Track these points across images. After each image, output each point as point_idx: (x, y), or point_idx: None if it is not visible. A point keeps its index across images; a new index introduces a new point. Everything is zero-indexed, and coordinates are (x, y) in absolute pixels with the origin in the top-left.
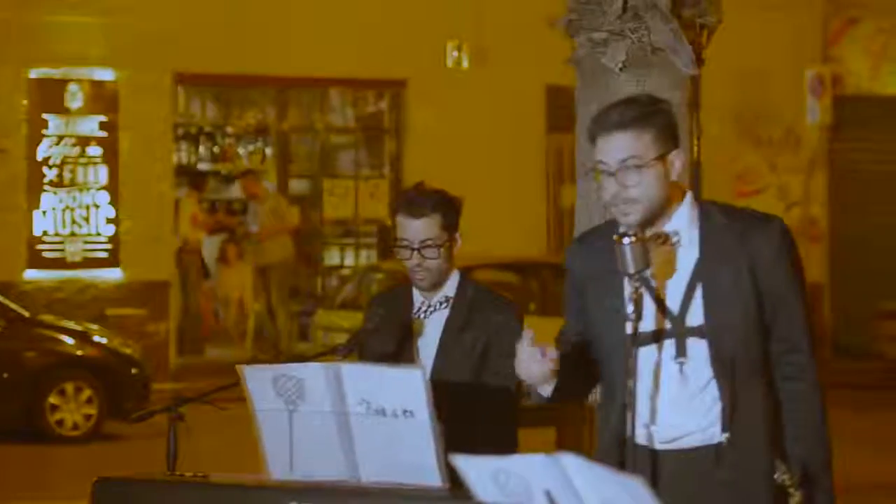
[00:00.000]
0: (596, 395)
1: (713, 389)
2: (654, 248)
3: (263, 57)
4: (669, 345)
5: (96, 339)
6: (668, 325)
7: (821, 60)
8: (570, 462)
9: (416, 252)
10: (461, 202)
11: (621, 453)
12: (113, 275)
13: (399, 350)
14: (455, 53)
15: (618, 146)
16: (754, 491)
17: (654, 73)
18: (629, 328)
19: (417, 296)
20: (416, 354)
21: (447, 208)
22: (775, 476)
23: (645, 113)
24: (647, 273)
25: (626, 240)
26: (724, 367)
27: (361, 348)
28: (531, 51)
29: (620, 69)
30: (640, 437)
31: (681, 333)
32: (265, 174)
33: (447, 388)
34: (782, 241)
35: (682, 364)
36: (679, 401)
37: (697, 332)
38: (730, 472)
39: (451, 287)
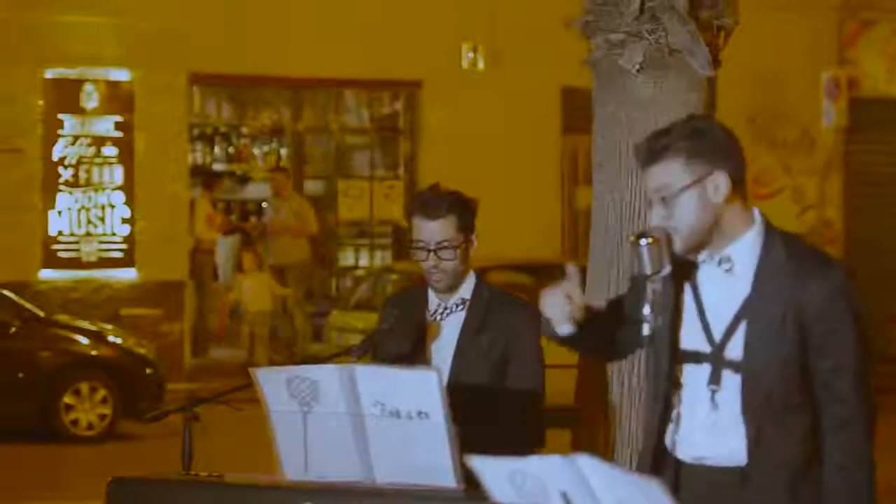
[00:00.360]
0: (613, 395)
1: (741, 424)
2: (710, 270)
3: (278, 57)
4: (706, 369)
5: (111, 339)
6: (708, 349)
7: (836, 63)
8: (587, 463)
9: (432, 253)
10: (476, 204)
11: (655, 457)
12: (128, 275)
13: (414, 351)
14: (470, 55)
15: (650, 179)
16: None
17: (670, 75)
18: (646, 330)
19: (433, 297)
20: (430, 356)
21: (463, 210)
22: None
23: (671, 142)
24: (693, 292)
25: (642, 241)
26: (753, 407)
27: (376, 349)
28: (546, 52)
29: (637, 71)
30: (671, 446)
31: (718, 362)
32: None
33: (465, 391)
34: (837, 289)
35: (714, 391)
36: (707, 425)
37: (734, 365)
38: (754, 495)
39: (467, 289)
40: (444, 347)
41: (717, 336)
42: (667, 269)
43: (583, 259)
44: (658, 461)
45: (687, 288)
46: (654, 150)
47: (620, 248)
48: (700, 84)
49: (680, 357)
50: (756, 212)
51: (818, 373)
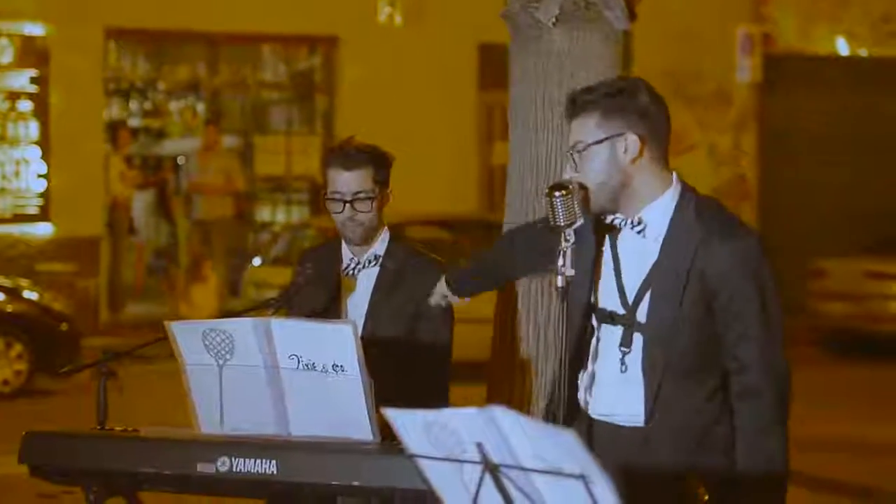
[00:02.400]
0: (529, 348)
1: (643, 386)
2: (626, 233)
3: (195, 12)
4: (619, 331)
5: (26, 294)
6: (622, 311)
7: (751, 19)
8: (502, 415)
9: (348, 205)
10: (392, 158)
11: (569, 410)
12: (43, 230)
13: (328, 307)
14: (387, 10)
15: (572, 132)
16: (667, 486)
17: (586, 28)
18: (560, 281)
19: (346, 252)
20: (344, 312)
21: (379, 162)
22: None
23: (596, 96)
24: (608, 253)
25: (556, 193)
26: (653, 370)
27: (290, 304)
28: (464, 8)
29: (553, 24)
30: (583, 403)
31: (629, 325)
32: (197, 130)
33: (378, 346)
34: (742, 256)
35: (624, 353)
36: (615, 384)
37: (642, 328)
38: (655, 455)
39: (380, 246)
40: (357, 305)
41: (630, 299)
42: (580, 221)
43: (499, 214)
44: (571, 414)
45: (606, 249)
46: (576, 104)
47: (536, 201)
48: (616, 37)
49: (598, 315)
50: (674, 176)
51: (724, 340)
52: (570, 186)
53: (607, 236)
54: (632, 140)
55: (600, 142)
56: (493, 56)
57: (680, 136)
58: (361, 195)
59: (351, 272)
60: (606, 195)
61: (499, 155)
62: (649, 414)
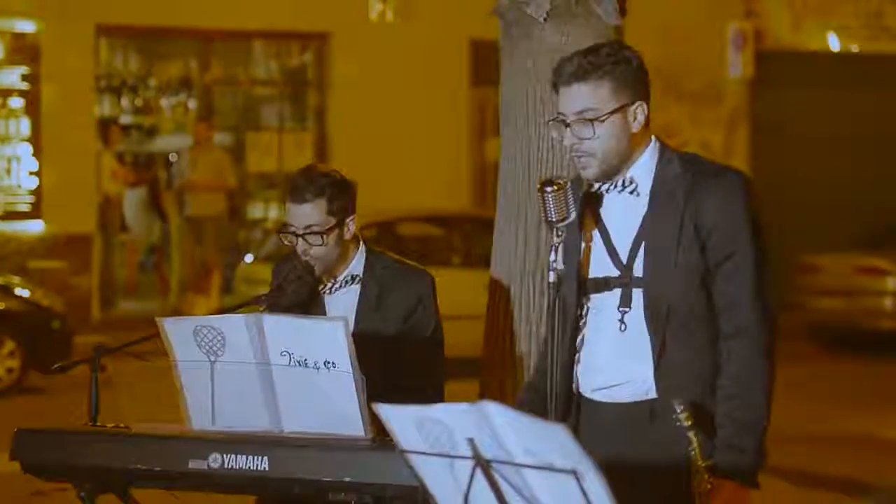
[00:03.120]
0: (521, 344)
1: (647, 342)
2: (613, 196)
3: (186, 9)
4: (616, 293)
5: (18, 291)
6: (617, 273)
7: (742, 15)
8: (493, 409)
9: (300, 239)
10: (354, 185)
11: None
12: (35, 227)
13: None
14: (379, 6)
15: (575, 97)
16: (680, 453)
17: (578, 24)
18: (552, 276)
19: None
20: None
21: (335, 192)
22: (673, 416)
23: (604, 62)
24: (601, 223)
25: (548, 188)
26: (656, 319)
27: (279, 304)
28: (456, 4)
29: (544, 19)
30: (581, 386)
31: (627, 283)
32: (188, 127)
33: (369, 357)
34: (732, 194)
35: (624, 313)
36: (616, 348)
37: (640, 283)
38: (662, 432)
39: (356, 265)
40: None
41: (624, 258)
42: (572, 217)
43: (491, 210)
44: (568, 398)
45: (593, 223)
46: (582, 67)
47: (528, 198)
48: (607, 33)
49: (588, 287)
50: (651, 134)
51: (715, 279)
52: (562, 181)
53: (592, 212)
54: (641, 109)
55: (617, 111)
56: (484, 52)
57: (671, 132)
58: (315, 228)
59: (327, 292)
60: (613, 163)
61: (491, 151)
62: (657, 361)
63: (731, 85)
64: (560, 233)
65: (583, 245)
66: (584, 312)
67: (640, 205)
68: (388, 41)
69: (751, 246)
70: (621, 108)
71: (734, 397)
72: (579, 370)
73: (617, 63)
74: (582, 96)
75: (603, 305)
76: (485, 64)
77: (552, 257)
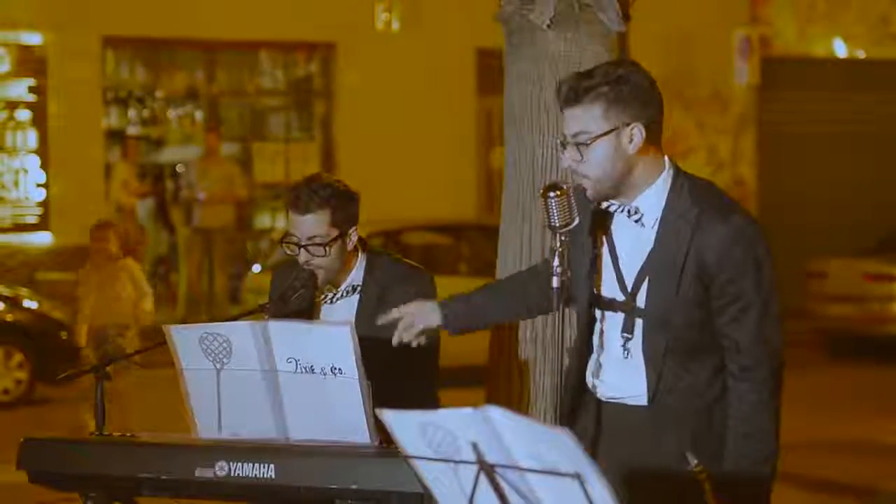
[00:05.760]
0: (526, 350)
1: (644, 370)
2: (622, 220)
3: (192, 20)
4: (620, 317)
5: (26, 303)
6: (622, 298)
7: (748, 21)
8: (497, 414)
9: (303, 249)
10: (357, 196)
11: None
12: (42, 239)
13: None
14: (384, 15)
15: (569, 121)
16: (672, 468)
17: (581, 30)
18: (556, 282)
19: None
20: None
21: (339, 203)
22: (687, 467)
23: (595, 84)
24: (606, 243)
25: (551, 194)
26: (654, 354)
27: (283, 311)
28: (461, 12)
29: (548, 26)
30: (591, 387)
31: (630, 311)
32: (195, 138)
33: (368, 360)
34: (736, 236)
35: (626, 339)
36: (619, 369)
37: (642, 314)
38: (662, 434)
39: (357, 273)
40: None
41: (629, 286)
42: (576, 222)
43: (497, 218)
44: (579, 400)
45: (603, 238)
46: (576, 91)
47: (532, 204)
48: (611, 39)
49: (600, 303)
50: (666, 159)
51: (719, 321)
52: (565, 187)
53: (603, 227)
54: (637, 131)
55: (607, 133)
56: (490, 60)
57: (678, 139)
58: (317, 240)
59: (329, 300)
60: (609, 185)
61: (497, 159)
62: (652, 396)
63: (738, 91)
64: (564, 238)
65: (594, 259)
66: (594, 324)
67: (646, 236)
68: (394, 50)
69: (755, 291)
70: (612, 131)
71: (743, 435)
72: (590, 374)
73: (610, 84)
74: (575, 120)
75: (610, 324)
76: (491, 73)
77: (556, 263)
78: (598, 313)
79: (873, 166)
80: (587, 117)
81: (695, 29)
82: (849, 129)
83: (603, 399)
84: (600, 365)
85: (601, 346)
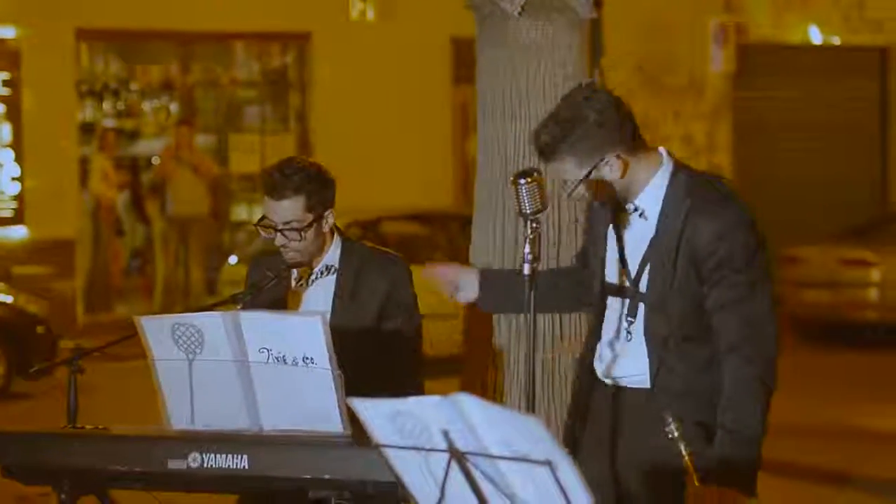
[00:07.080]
0: (501, 338)
1: (646, 353)
2: (630, 217)
3: (166, 11)
4: (624, 303)
5: (1, 297)
6: (627, 284)
7: (723, 9)
8: (467, 401)
9: (279, 233)
10: (332, 178)
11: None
12: (18, 233)
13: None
14: (359, 5)
15: (553, 173)
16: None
17: (553, 17)
18: (527, 269)
19: None
20: None
21: (314, 187)
22: (665, 428)
23: (554, 142)
24: (608, 233)
25: (521, 181)
26: (654, 338)
27: (255, 302)
28: (436, 3)
29: (519, 14)
30: (596, 368)
31: (633, 297)
32: (171, 130)
33: (346, 351)
34: (726, 226)
35: (630, 323)
36: (622, 353)
37: (645, 298)
38: (656, 418)
39: (332, 255)
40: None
41: (633, 273)
42: (546, 208)
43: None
44: (590, 383)
45: (611, 230)
46: (542, 150)
47: (505, 192)
48: (583, 26)
49: (608, 289)
50: (662, 152)
51: (709, 306)
52: (535, 174)
53: (613, 219)
54: (612, 160)
55: (586, 176)
56: (466, 50)
57: (653, 127)
58: (294, 224)
59: (306, 284)
60: (616, 195)
61: (472, 149)
62: (653, 379)
63: (713, 79)
64: (535, 225)
65: (606, 251)
66: (603, 309)
67: (648, 227)
68: (369, 40)
69: (744, 275)
70: (591, 172)
71: (728, 409)
72: (597, 356)
73: (568, 131)
74: (558, 172)
75: (615, 309)
76: (466, 62)
77: (526, 249)
78: (609, 301)
79: (848, 153)
80: (563, 170)
81: (670, 16)
82: (824, 116)
83: (608, 382)
84: (605, 348)
85: (607, 329)
